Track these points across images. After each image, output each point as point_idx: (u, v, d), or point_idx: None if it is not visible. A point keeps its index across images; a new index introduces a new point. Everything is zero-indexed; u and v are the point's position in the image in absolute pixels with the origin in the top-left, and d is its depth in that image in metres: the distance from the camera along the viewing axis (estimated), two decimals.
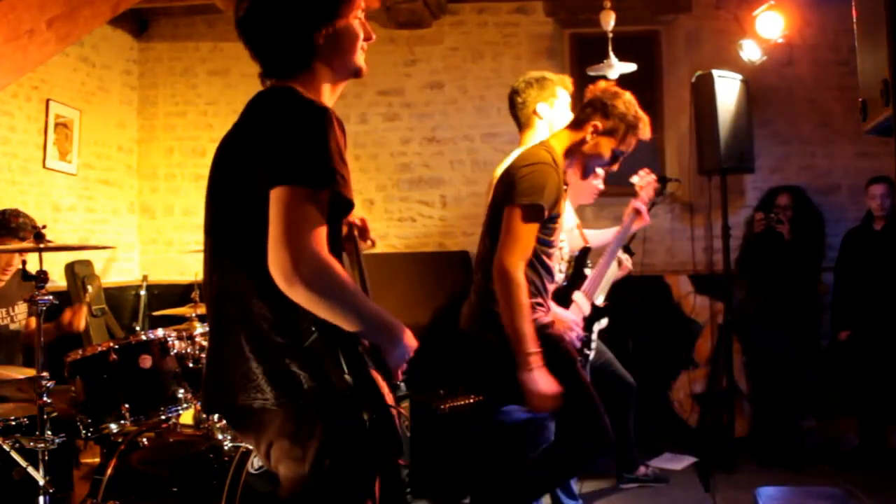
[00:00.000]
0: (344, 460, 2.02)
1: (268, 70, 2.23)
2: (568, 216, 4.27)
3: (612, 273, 4.71)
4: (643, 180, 4.80)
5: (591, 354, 4.44)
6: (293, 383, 1.98)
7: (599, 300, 4.48)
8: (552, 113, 4.19)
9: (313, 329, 1.98)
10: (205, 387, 2.22)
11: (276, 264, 1.88)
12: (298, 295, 1.89)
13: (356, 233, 2.57)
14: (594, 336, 4.44)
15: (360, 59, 2.26)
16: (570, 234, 4.42)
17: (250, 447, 3.61)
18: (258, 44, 2.21)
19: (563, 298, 4.02)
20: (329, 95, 2.23)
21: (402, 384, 2.18)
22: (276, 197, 1.91)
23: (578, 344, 3.96)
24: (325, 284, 1.91)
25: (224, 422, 3.96)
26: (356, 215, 2.50)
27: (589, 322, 4.23)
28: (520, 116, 4.30)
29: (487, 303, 3.40)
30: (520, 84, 4.26)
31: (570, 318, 3.88)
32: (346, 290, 1.95)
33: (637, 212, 4.66)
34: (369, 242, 2.69)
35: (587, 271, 4.32)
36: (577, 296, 4.17)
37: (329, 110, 2.03)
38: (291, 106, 2.03)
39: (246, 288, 2.02)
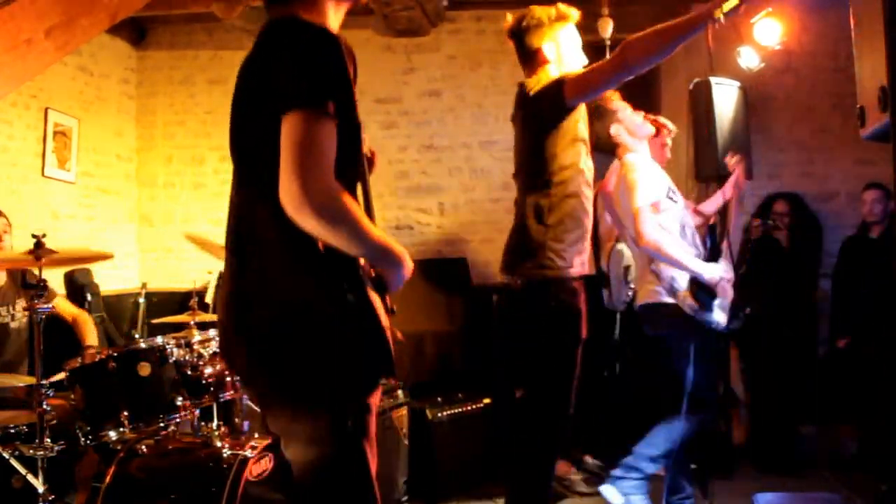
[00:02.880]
0: (337, 384, 2.09)
1: None
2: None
3: None
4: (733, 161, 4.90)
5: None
6: (296, 307, 2.06)
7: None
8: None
9: (320, 251, 2.06)
10: (219, 303, 2.29)
11: (286, 192, 1.94)
12: (307, 222, 1.95)
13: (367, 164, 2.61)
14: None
15: None
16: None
17: (250, 454, 3.62)
18: None
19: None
20: (333, 18, 2.27)
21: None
22: (285, 124, 1.97)
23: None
24: (332, 212, 1.96)
25: (230, 426, 3.98)
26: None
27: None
28: None
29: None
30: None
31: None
32: (352, 218, 2.00)
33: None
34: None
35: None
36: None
37: (333, 34, 2.08)
38: (297, 33, 2.07)
39: (265, 216, 2.08)
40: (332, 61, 2.02)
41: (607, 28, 5.18)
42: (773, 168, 6.75)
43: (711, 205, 4.96)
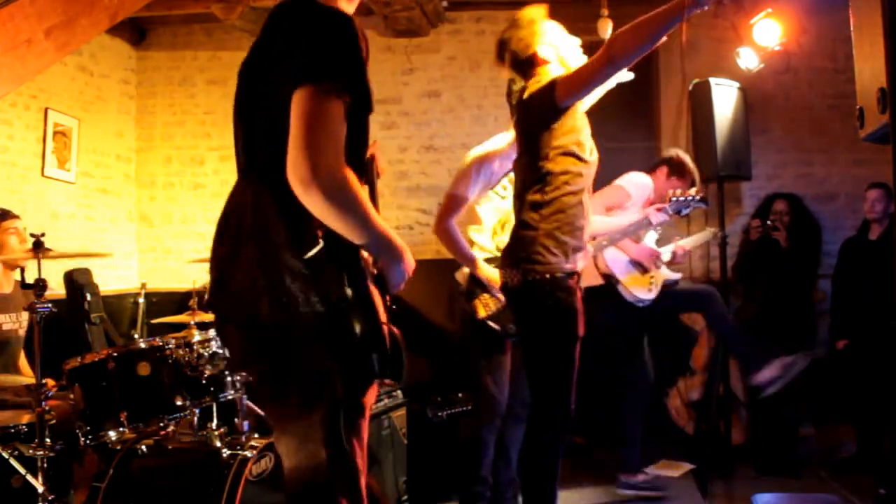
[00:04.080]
0: (330, 381, 2.07)
1: None
2: None
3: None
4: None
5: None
6: (290, 303, 2.01)
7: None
8: None
9: (320, 241, 2.03)
10: (210, 292, 2.25)
11: (295, 169, 1.92)
12: (313, 201, 1.93)
13: (375, 168, 2.62)
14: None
15: None
16: None
17: (250, 454, 3.62)
18: None
19: None
20: (346, 4, 2.25)
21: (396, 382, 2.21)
22: (297, 100, 1.94)
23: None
24: (340, 193, 1.94)
25: (229, 426, 3.98)
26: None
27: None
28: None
29: None
30: None
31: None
32: (358, 201, 1.99)
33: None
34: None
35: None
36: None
37: (348, 16, 2.06)
38: (309, 13, 2.05)
39: (266, 201, 2.05)
40: (346, 40, 2.01)
41: (607, 28, 5.18)
42: (773, 168, 6.76)
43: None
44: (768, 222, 6.00)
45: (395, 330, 2.17)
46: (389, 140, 7.12)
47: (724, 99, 5.72)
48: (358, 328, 2.05)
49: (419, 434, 4.93)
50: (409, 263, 2.20)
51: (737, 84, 5.82)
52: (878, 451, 5.60)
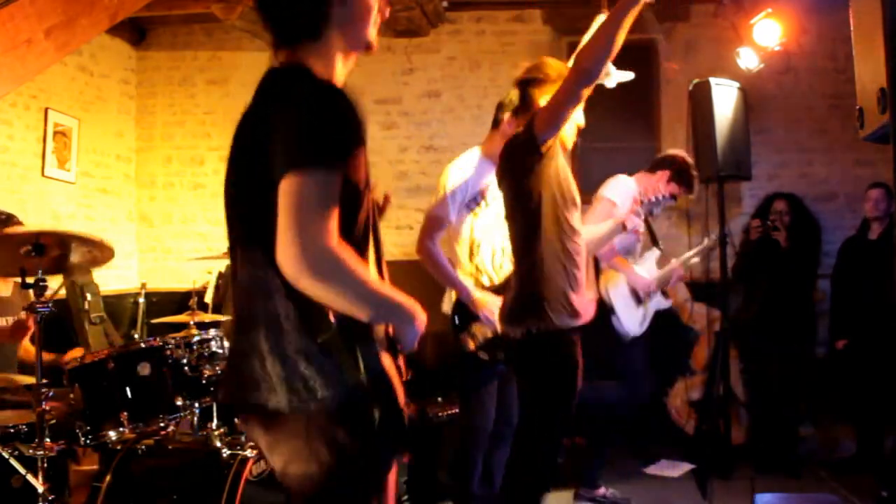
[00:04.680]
0: (354, 462, 2.02)
1: (280, 38, 2.18)
2: None
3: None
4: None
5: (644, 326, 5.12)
6: (308, 389, 1.96)
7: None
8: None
9: (333, 324, 1.98)
10: (224, 381, 2.23)
11: (284, 256, 1.87)
12: (307, 286, 1.88)
13: (376, 209, 2.57)
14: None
15: (372, 32, 2.26)
16: None
17: (250, 454, 3.62)
18: (271, 9, 2.16)
19: None
20: (342, 67, 2.21)
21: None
22: (283, 186, 1.89)
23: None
24: (332, 275, 1.89)
25: (229, 426, 3.99)
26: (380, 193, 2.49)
27: None
28: (497, 115, 4.32)
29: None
30: (513, 92, 4.26)
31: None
32: (354, 278, 1.93)
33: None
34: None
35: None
36: None
37: (339, 89, 2.01)
38: (301, 89, 2.01)
39: (273, 283, 1.99)
40: (337, 118, 1.95)
41: None
42: (773, 168, 6.77)
43: None
44: (768, 222, 6.00)
45: (411, 405, 2.15)
46: (389, 140, 7.12)
47: (724, 99, 5.71)
48: (377, 412, 2.01)
49: (419, 434, 4.93)
50: (421, 319, 2.14)
51: (737, 84, 5.82)
52: (877, 452, 5.60)
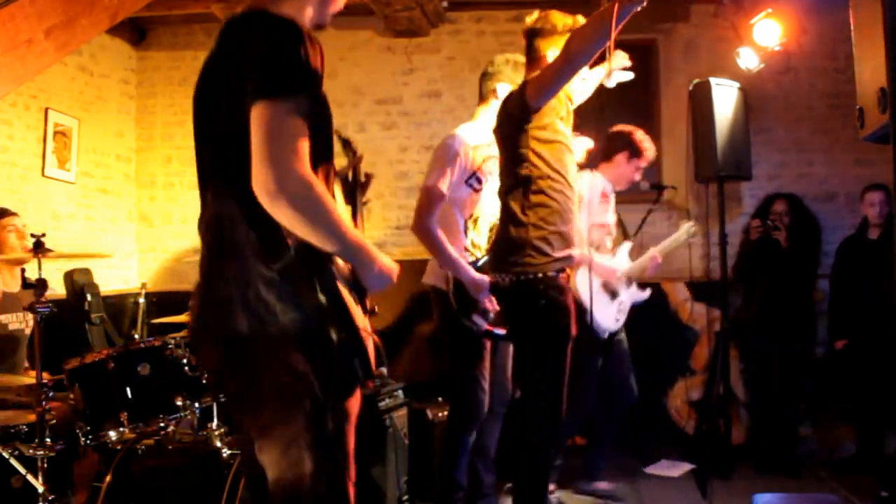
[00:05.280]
0: (313, 386, 2.06)
1: None
2: None
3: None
4: None
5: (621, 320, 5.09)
6: (268, 313, 2.01)
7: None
8: None
9: (291, 251, 2.02)
10: (191, 311, 2.24)
11: (260, 182, 1.91)
12: (281, 212, 1.93)
13: (360, 188, 2.60)
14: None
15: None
16: None
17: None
18: None
19: None
20: (314, 11, 2.27)
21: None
22: (255, 115, 1.94)
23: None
24: (307, 203, 1.93)
25: (229, 426, 3.99)
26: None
27: None
28: (482, 87, 4.33)
29: None
30: (500, 58, 4.26)
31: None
32: (326, 209, 1.97)
33: None
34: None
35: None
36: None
37: (298, 26, 2.06)
38: (261, 25, 2.06)
39: (235, 213, 2.05)
40: (300, 52, 2.00)
41: None
42: (773, 168, 6.76)
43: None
44: (768, 222, 5.99)
45: (375, 337, 2.16)
46: (390, 140, 7.12)
47: (724, 99, 5.71)
48: (335, 334, 2.04)
49: (420, 434, 4.93)
50: (387, 268, 2.18)
51: (737, 84, 5.82)
52: (877, 452, 5.60)
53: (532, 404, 3.53)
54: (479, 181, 4.22)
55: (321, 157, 2.11)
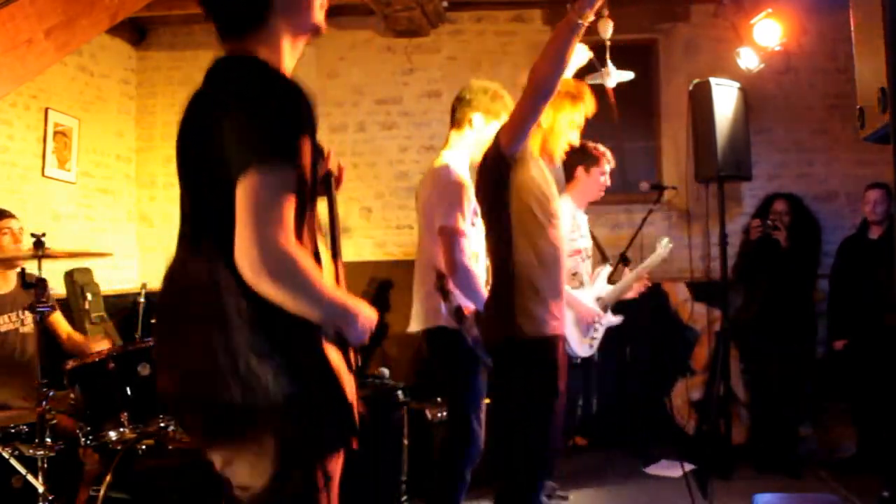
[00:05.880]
0: (301, 455, 2.04)
1: (224, 29, 2.21)
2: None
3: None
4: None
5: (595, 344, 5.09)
6: (258, 384, 1.96)
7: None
8: (484, 129, 4.06)
9: (281, 322, 1.98)
10: (162, 373, 2.14)
11: (244, 257, 1.88)
12: (264, 287, 1.90)
13: (333, 182, 2.56)
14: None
15: (318, 15, 2.23)
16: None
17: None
18: (212, 2, 2.21)
19: None
20: (290, 53, 2.20)
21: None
22: (241, 186, 1.89)
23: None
24: (289, 278, 1.91)
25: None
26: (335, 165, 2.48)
27: None
28: (457, 112, 4.18)
29: None
30: (476, 85, 4.18)
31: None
32: (309, 282, 1.95)
33: None
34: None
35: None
36: None
37: (288, 79, 2.01)
38: (248, 82, 2.02)
39: (225, 278, 1.98)
40: (285, 110, 1.95)
41: (607, 28, 5.16)
42: (773, 168, 6.77)
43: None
44: (768, 222, 5.99)
45: (362, 406, 2.15)
46: (390, 140, 7.12)
47: (724, 99, 5.71)
48: (325, 406, 2.04)
49: (419, 434, 4.93)
50: (366, 319, 2.15)
51: (737, 84, 5.82)
52: (878, 452, 5.60)
53: (513, 467, 3.49)
54: (476, 215, 4.01)
55: (304, 209, 2.05)
